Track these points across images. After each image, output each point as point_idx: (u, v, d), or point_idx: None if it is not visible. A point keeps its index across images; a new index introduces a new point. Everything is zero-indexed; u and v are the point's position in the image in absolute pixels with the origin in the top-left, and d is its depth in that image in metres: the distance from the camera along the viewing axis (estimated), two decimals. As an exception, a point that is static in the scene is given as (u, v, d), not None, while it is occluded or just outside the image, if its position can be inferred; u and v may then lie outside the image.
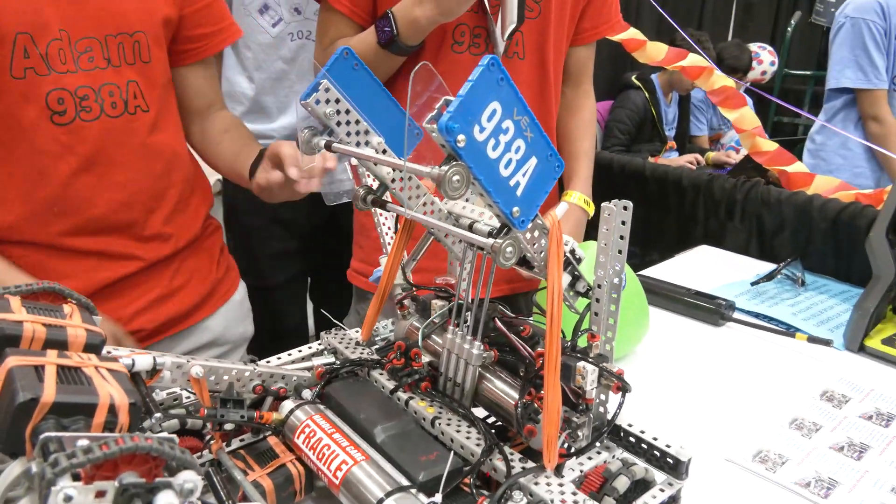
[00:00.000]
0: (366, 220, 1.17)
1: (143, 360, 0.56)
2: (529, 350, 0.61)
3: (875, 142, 1.93)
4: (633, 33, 1.53)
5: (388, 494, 0.52)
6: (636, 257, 1.77)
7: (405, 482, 0.54)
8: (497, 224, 0.52)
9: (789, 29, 4.53)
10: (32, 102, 0.79)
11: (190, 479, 0.33)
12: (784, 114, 4.84)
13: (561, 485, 0.53)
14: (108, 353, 0.55)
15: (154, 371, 0.57)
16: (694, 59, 1.44)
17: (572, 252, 0.59)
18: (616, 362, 0.96)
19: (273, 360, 0.74)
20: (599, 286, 0.59)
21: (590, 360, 0.57)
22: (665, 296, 1.12)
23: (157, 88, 0.91)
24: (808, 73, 4.75)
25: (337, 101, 0.57)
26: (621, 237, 0.59)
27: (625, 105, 3.06)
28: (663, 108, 3.29)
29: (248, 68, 1.37)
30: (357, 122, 0.59)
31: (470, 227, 0.63)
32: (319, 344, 0.79)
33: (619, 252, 0.59)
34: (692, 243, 1.50)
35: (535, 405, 0.57)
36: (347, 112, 0.59)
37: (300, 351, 0.77)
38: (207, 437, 0.64)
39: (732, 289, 1.19)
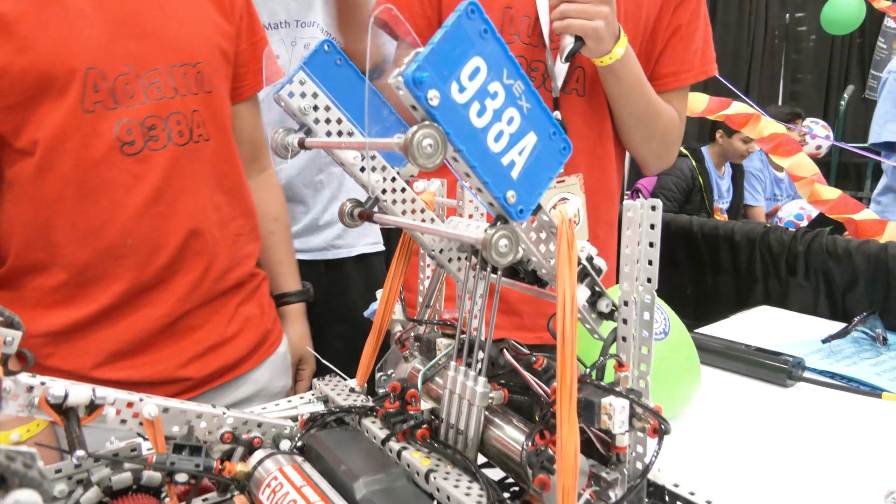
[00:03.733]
0: None
1: (79, 393, 0.47)
2: (543, 386, 0.50)
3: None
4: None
5: (356, 561, 0.40)
6: (688, 329, 1.62)
7: (383, 548, 0.43)
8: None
9: (843, 103, 4.42)
10: (102, 135, 0.81)
11: (26, 499, 0.24)
12: (845, 188, 4.64)
13: (581, 553, 0.40)
14: (42, 383, 0.48)
15: (93, 407, 0.49)
16: (739, 108, 1.36)
17: (590, 260, 0.48)
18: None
19: (257, 409, 0.65)
20: (626, 303, 0.48)
21: (618, 391, 0.46)
22: (720, 353, 0.98)
23: (219, 118, 0.92)
24: (868, 145, 4.57)
25: (314, 95, 0.51)
26: (651, 244, 0.48)
27: (670, 172, 2.98)
28: (714, 179, 3.19)
29: None
30: (339, 120, 0.53)
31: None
32: (312, 394, 0.69)
33: (650, 263, 0.49)
34: (751, 305, 1.36)
35: (550, 451, 0.46)
36: (327, 109, 0.52)
37: (289, 401, 0.67)
38: (163, 495, 0.54)
39: (800, 347, 1.04)
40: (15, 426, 0.74)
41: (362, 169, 0.54)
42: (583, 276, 0.49)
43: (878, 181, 2.48)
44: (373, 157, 0.55)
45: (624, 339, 0.49)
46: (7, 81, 0.76)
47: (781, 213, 3.64)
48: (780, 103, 4.69)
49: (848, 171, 4.79)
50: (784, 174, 3.76)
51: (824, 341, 1.04)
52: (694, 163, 3.08)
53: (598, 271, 0.49)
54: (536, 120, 0.41)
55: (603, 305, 0.50)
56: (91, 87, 0.80)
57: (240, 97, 1.00)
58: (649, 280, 0.49)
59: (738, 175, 3.41)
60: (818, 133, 4.21)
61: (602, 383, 0.47)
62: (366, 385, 0.68)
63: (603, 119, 1.03)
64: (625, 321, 0.49)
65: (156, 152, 0.84)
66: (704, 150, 3.20)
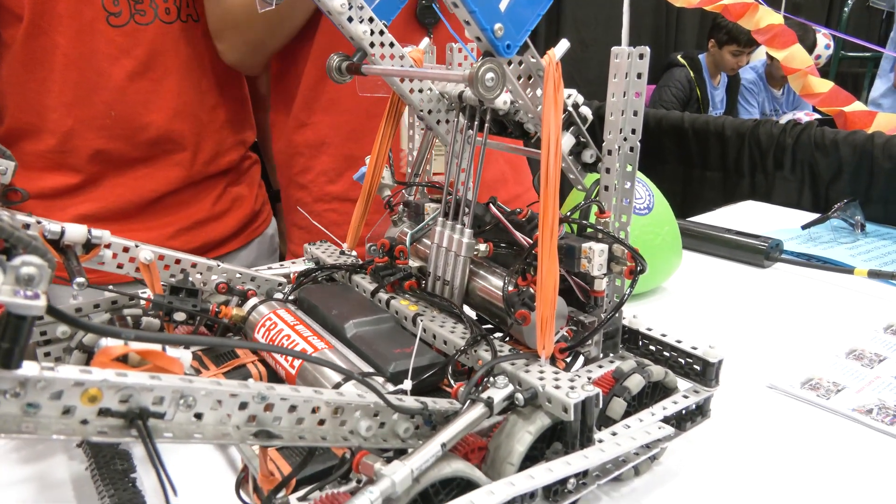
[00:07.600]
0: (301, 195, 1.00)
1: (75, 230, 0.49)
2: (525, 237, 0.52)
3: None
4: (669, -25, 1.41)
5: (347, 379, 0.43)
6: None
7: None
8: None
9: (846, 10, 4.29)
10: (88, 3, 0.81)
11: (32, 262, 0.25)
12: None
13: (556, 373, 0.43)
14: (38, 221, 0.49)
15: (90, 246, 0.50)
16: (737, -4, 1.32)
17: (576, 107, 0.49)
18: (639, 299, 0.86)
19: (250, 271, 0.67)
20: (609, 152, 0.49)
21: (599, 232, 0.48)
22: (700, 237, 1.00)
23: None
24: (867, 55, 4.48)
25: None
26: (637, 94, 0.49)
27: (668, 83, 2.92)
28: (710, 90, 3.14)
29: None
30: (326, -35, 0.51)
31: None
32: (304, 258, 0.71)
33: (635, 114, 0.49)
34: (737, 201, 1.38)
35: (531, 290, 0.48)
36: (313, -48, 0.50)
37: (282, 265, 0.70)
38: (162, 338, 0.56)
39: (781, 235, 1.07)
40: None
41: (350, 19, 0.54)
42: (568, 124, 0.49)
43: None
44: (360, 8, 0.54)
45: (606, 188, 0.50)
46: None
47: (776, 124, 3.62)
48: (781, 9, 4.54)
49: (846, 82, 4.71)
50: (781, 91, 3.71)
51: (804, 227, 1.07)
52: (692, 73, 3.02)
53: (584, 120, 0.50)
54: (525, -48, 0.41)
55: (587, 156, 0.51)
56: None
57: None
58: (633, 131, 0.50)
59: (733, 85, 3.34)
60: (819, 41, 4.11)
61: (585, 222, 0.49)
62: (355, 251, 0.70)
63: None
64: (608, 170, 0.50)
65: (142, 27, 0.84)
66: (702, 58, 3.13)
